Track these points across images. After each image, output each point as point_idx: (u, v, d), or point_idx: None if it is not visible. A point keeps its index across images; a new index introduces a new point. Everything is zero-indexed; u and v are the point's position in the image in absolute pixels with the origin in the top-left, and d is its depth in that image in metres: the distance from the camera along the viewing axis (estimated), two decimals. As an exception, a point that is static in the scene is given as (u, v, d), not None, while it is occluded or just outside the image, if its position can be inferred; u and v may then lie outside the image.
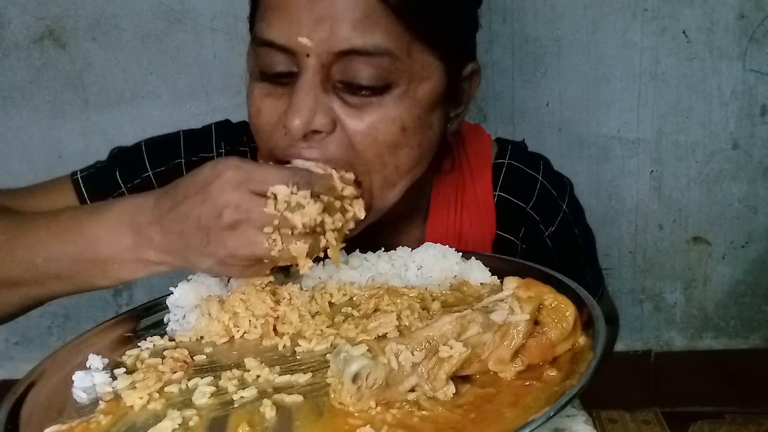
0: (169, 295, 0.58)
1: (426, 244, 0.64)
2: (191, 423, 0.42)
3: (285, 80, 0.58)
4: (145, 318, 0.60)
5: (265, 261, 0.52)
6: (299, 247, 0.51)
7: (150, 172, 0.72)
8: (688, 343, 1.67)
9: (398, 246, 0.66)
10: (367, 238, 0.69)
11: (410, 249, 0.64)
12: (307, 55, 0.55)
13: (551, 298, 0.47)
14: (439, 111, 0.62)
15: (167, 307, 0.59)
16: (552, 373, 0.44)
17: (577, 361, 0.45)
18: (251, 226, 0.50)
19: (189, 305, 0.58)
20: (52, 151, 1.47)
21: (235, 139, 0.75)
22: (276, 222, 0.50)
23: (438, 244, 0.64)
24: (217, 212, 0.50)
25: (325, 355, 0.50)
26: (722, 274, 1.61)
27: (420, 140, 0.61)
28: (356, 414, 0.41)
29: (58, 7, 1.40)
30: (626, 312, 1.63)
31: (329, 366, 0.45)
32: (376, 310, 0.55)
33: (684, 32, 1.42)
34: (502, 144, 0.78)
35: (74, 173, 0.72)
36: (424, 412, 0.41)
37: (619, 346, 1.66)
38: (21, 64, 1.43)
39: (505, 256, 0.68)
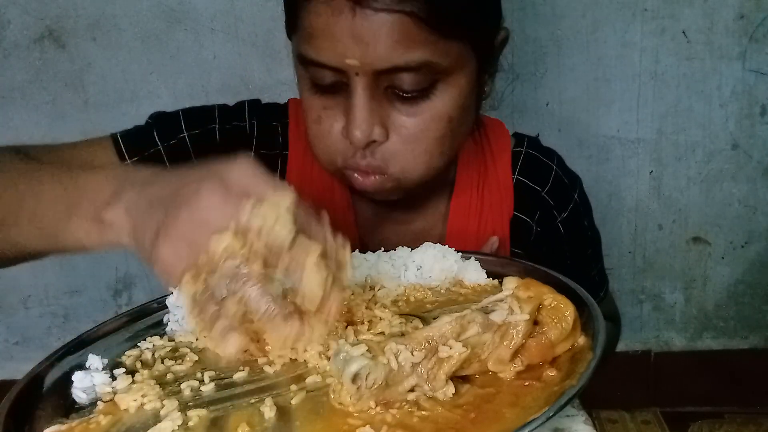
0: (169, 295, 0.58)
1: (426, 244, 0.64)
2: (191, 423, 0.42)
3: (336, 90, 0.62)
4: (145, 318, 0.60)
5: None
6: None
7: (185, 134, 0.74)
8: (687, 343, 1.67)
9: (422, 220, 0.73)
10: (395, 210, 0.77)
11: (410, 249, 0.64)
12: (356, 74, 0.59)
13: (551, 298, 0.47)
14: (476, 89, 0.67)
15: (167, 307, 0.59)
16: (552, 373, 0.44)
17: (577, 361, 0.45)
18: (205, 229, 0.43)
19: (189, 305, 0.57)
20: (52, 151, 1.47)
21: (265, 116, 0.78)
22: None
23: (438, 244, 0.64)
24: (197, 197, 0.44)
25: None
26: (722, 274, 1.61)
27: (462, 124, 0.66)
28: (356, 414, 0.41)
29: (58, 7, 1.39)
30: (626, 312, 1.63)
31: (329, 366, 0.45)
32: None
33: (684, 32, 1.42)
34: (519, 137, 0.83)
35: (113, 133, 0.74)
36: (423, 412, 0.41)
37: (619, 346, 1.65)
38: (21, 64, 1.43)
39: (504, 256, 0.68)
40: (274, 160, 0.77)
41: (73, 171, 0.54)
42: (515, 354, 0.45)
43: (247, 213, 0.42)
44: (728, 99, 1.47)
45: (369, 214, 0.78)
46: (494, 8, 0.67)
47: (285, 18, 0.67)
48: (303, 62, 0.63)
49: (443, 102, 0.63)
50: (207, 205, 0.43)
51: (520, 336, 0.45)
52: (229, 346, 0.42)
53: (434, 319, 0.49)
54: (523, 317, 0.45)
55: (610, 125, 1.49)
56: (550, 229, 0.80)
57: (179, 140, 0.74)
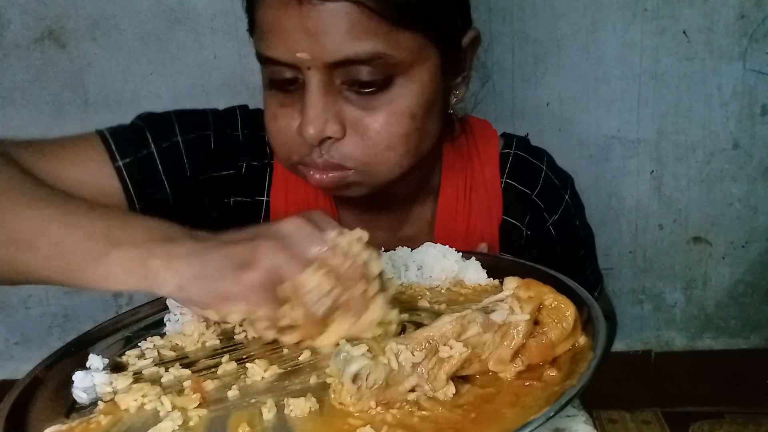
0: (169, 295, 0.58)
1: (426, 244, 0.64)
2: (191, 423, 0.42)
3: (293, 87, 0.61)
4: (145, 318, 0.60)
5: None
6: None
7: (179, 138, 0.72)
8: (688, 343, 1.67)
9: (408, 227, 0.71)
10: (380, 218, 0.75)
11: (410, 249, 0.64)
12: (308, 68, 0.58)
13: (551, 298, 0.47)
14: (441, 87, 0.65)
15: (167, 307, 0.59)
16: (552, 373, 0.44)
17: (577, 361, 0.45)
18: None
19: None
20: (52, 151, 1.47)
21: (254, 124, 0.76)
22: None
23: (438, 244, 0.64)
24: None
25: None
26: (722, 274, 1.61)
27: (427, 121, 0.64)
28: (356, 414, 0.41)
29: (58, 7, 1.39)
30: (626, 312, 1.63)
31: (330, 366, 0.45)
32: None
33: (684, 32, 1.42)
34: (508, 137, 0.80)
35: (98, 130, 0.71)
36: (424, 412, 0.41)
37: (619, 346, 1.66)
38: (21, 64, 1.43)
39: (505, 256, 0.68)
40: (263, 171, 0.75)
41: (117, 211, 0.54)
42: (516, 354, 0.45)
43: (331, 243, 0.48)
44: (729, 99, 1.47)
45: (353, 222, 0.76)
46: (455, 2, 0.65)
47: (246, 18, 0.66)
48: (259, 60, 0.62)
49: (403, 97, 0.60)
50: (292, 242, 0.48)
51: (520, 336, 0.45)
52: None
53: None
54: (524, 317, 0.45)
55: (611, 125, 1.49)
56: (541, 232, 0.78)
57: (173, 144, 0.71)
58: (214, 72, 1.44)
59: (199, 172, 0.72)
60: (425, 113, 0.63)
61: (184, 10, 1.40)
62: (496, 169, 0.77)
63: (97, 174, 0.67)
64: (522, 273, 0.57)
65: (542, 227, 0.78)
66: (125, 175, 0.68)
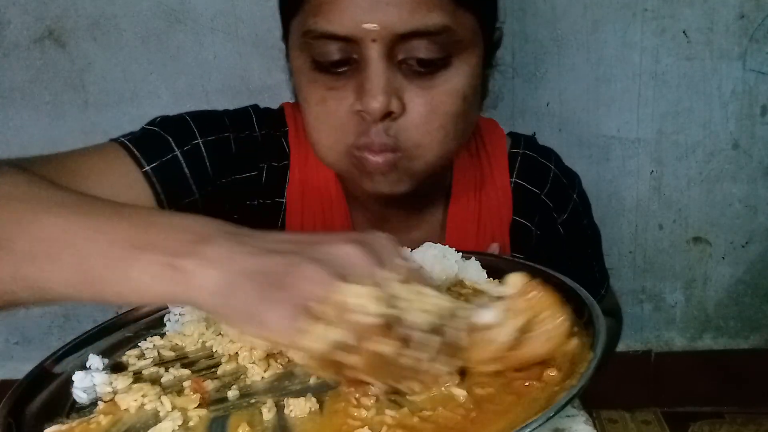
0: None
1: (426, 244, 0.64)
2: (191, 423, 0.42)
3: (342, 68, 0.60)
4: (145, 318, 0.60)
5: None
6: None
7: (200, 140, 0.69)
8: (688, 343, 1.67)
9: (420, 228, 0.71)
10: (392, 219, 0.75)
11: (410, 249, 0.64)
12: (373, 40, 0.57)
13: (548, 314, 0.45)
14: (482, 75, 0.66)
15: (167, 307, 0.59)
16: (552, 373, 0.44)
17: (577, 361, 0.45)
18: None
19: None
20: (52, 151, 1.45)
21: (270, 124, 0.75)
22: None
23: (438, 244, 0.64)
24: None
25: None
26: (722, 274, 1.61)
27: (473, 106, 0.65)
28: (355, 413, 0.41)
29: (58, 7, 1.40)
30: (626, 312, 1.62)
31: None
32: None
33: (684, 32, 1.42)
34: (515, 137, 0.81)
35: (116, 139, 0.68)
36: (425, 412, 0.41)
37: (620, 346, 1.65)
38: (21, 64, 1.43)
39: (505, 256, 0.68)
40: (283, 172, 0.74)
41: (138, 208, 0.47)
42: (496, 358, 0.44)
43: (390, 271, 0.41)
44: (728, 99, 1.47)
45: (366, 223, 0.76)
46: None
47: (282, 3, 0.64)
48: (310, 38, 0.59)
49: (458, 77, 0.61)
50: (347, 262, 0.40)
51: (502, 343, 0.44)
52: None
53: None
54: (508, 330, 0.44)
55: (611, 125, 1.49)
56: (551, 231, 0.79)
57: (194, 146, 0.69)
58: (214, 72, 1.44)
59: (221, 175, 0.71)
60: (473, 98, 0.64)
61: (184, 10, 1.40)
62: (505, 169, 0.77)
63: (127, 182, 0.65)
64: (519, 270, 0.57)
65: (552, 226, 0.79)
66: (154, 180, 0.66)
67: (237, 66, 1.43)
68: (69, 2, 1.39)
